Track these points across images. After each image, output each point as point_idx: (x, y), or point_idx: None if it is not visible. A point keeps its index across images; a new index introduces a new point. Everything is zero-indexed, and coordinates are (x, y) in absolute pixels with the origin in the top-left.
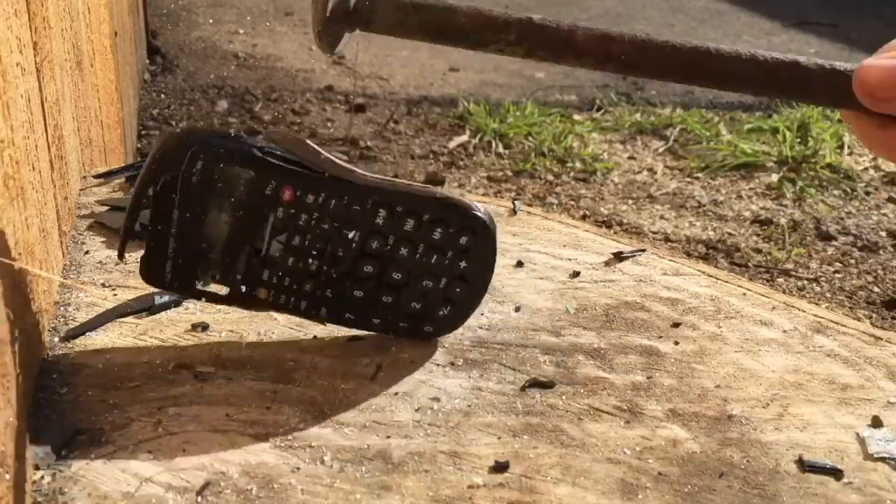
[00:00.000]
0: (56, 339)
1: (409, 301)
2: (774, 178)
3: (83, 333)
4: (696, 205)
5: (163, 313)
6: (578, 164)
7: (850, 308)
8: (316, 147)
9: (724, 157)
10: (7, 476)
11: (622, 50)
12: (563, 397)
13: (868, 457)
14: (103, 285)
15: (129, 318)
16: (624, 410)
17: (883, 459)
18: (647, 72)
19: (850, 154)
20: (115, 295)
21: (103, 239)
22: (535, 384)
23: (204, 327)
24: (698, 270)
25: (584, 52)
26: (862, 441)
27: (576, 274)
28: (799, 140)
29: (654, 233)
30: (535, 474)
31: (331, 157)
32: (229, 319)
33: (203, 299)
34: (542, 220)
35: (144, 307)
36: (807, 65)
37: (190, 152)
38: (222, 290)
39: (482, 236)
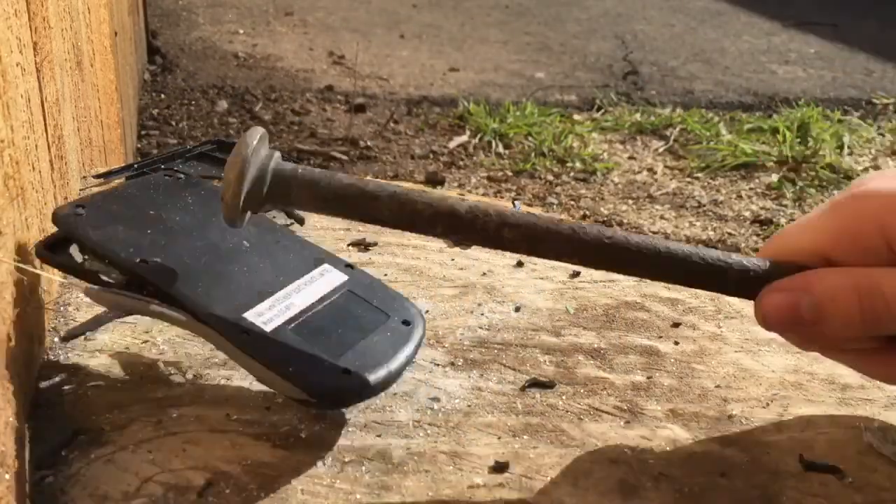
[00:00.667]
0: (56, 339)
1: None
2: (774, 178)
3: (83, 333)
4: (696, 205)
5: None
6: (578, 164)
7: None
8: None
9: (724, 157)
10: (7, 476)
11: (550, 248)
12: (563, 397)
13: (877, 449)
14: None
15: (130, 318)
16: (624, 410)
17: (880, 455)
18: (574, 263)
19: (850, 154)
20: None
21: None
22: (535, 384)
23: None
24: None
25: (511, 248)
26: (864, 433)
27: (576, 274)
28: (799, 140)
29: (654, 233)
30: (535, 474)
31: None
32: None
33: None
34: None
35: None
36: (722, 266)
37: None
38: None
39: None
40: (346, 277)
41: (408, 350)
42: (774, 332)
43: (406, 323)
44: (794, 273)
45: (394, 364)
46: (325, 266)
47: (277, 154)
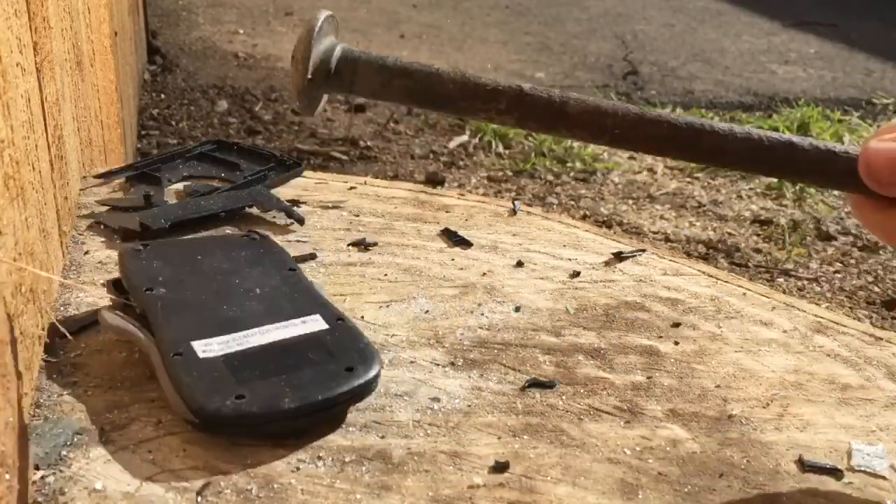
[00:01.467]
0: (56, 339)
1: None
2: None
3: (84, 330)
4: (696, 205)
5: None
6: (578, 164)
7: (850, 308)
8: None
9: None
10: (7, 476)
11: (615, 124)
12: (563, 397)
13: (849, 468)
14: (103, 285)
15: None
16: (624, 410)
17: (863, 472)
18: (641, 146)
19: None
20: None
21: (103, 239)
22: (535, 384)
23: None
24: (698, 270)
25: (576, 125)
26: (849, 453)
27: (576, 274)
28: None
29: (654, 233)
30: (535, 474)
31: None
32: None
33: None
34: (542, 220)
35: None
36: (802, 145)
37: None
38: None
39: None
40: (325, 327)
41: (328, 393)
42: (877, 185)
43: (349, 369)
44: None
45: (297, 401)
46: (314, 316)
47: (342, 43)
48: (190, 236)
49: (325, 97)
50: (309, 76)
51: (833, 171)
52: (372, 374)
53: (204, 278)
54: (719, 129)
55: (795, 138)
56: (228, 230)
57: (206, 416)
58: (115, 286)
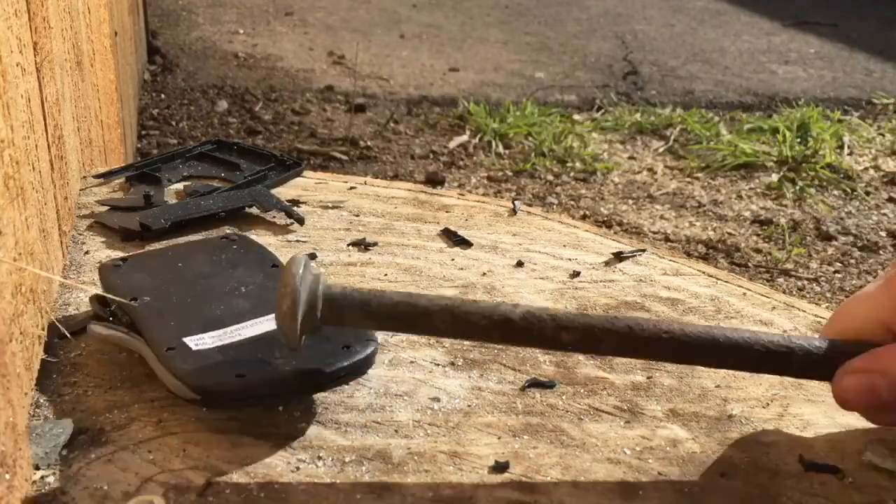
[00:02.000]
0: (56, 339)
1: None
2: (774, 178)
3: (84, 331)
4: (696, 205)
5: None
6: (578, 164)
7: None
8: None
9: (724, 157)
10: (7, 476)
11: (608, 349)
12: (563, 397)
13: (862, 462)
14: (89, 300)
15: None
16: (624, 410)
17: (876, 468)
18: (632, 357)
19: (850, 154)
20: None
21: (103, 239)
22: (535, 384)
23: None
24: (698, 270)
25: (571, 350)
26: (865, 448)
27: (576, 274)
28: (799, 140)
29: (654, 233)
30: (535, 474)
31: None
32: None
33: None
34: (542, 220)
35: None
36: (784, 352)
37: None
38: None
39: None
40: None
41: (327, 366)
42: (855, 412)
43: (345, 347)
44: (858, 351)
45: (297, 373)
46: None
47: (323, 277)
48: (167, 244)
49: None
50: (298, 333)
51: (813, 371)
52: (369, 350)
53: (187, 283)
54: (706, 340)
55: (782, 344)
56: (228, 230)
57: (207, 392)
58: (99, 301)
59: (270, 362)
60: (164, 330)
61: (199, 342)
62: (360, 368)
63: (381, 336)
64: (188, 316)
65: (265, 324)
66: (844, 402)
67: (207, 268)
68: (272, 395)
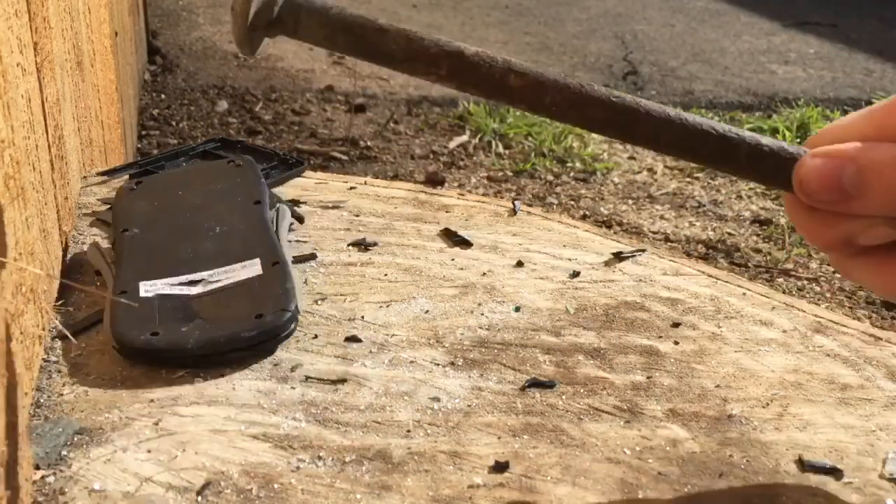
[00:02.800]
0: (56, 339)
1: None
2: None
3: (87, 329)
4: (696, 205)
5: None
6: (578, 164)
7: (850, 308)
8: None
9: None
10: (7, 476)
11: (553, 102)
12: (563, 397)
13: (882, 475)
14: (103, 285)
15: None
16: (624, 410)
17: (893, 480)
18: (579, 124)
19: None
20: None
21: (104, 239)
22: (535, 384)
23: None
24: (698, 270)
25: (515, 98)
26: (885, 461)
27: (576, 274)
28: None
29: (654, 233)
30: (535, 474)
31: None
32: None
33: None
34: (542, 220)
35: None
36: (736, 141)
37: None
38: None
39: None
40: (258, 273)
41: (233, 336)
42: (808, 200)
43: (258, 316)
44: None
45: (200, 342)
46: (254, 260)
47: None
48: (181, 168)
49: (267, 40)
50: (248, 23)
51: (764, 169)
52: (283, 319)
53: (174, 217)
54: (656, 115)
55: (732, 132)
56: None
57: (122, 345)
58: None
59: (187, 325)
60: (131, 270)
61: (150, 289)
62: (272, 337)
63: (379, 334)
64: (158, 256)
65: (214, 278)
66: (801, 184)
67: (200, 199)
68: (176, 358)
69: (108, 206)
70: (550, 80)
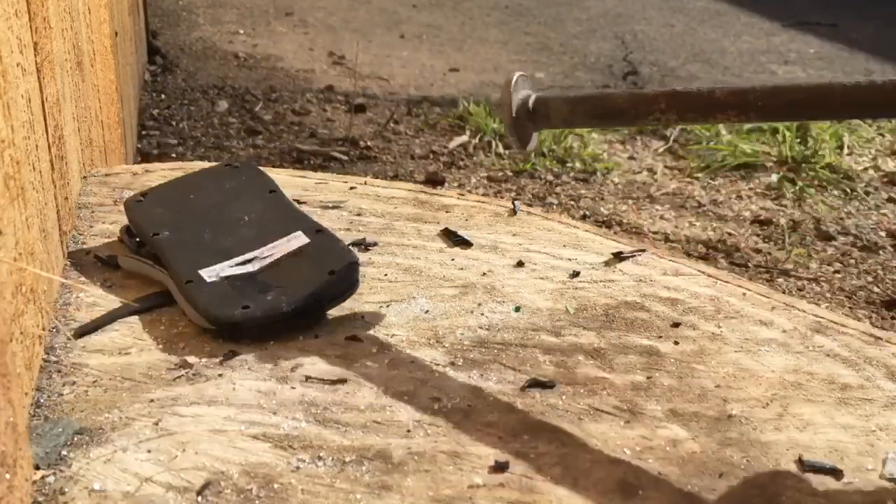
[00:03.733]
0: (56, 339)
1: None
2: (774, 178)
3: (95, 329)
4: (696, 205)
5: (163, 309)
6: (578, 164)
7: (850, 308)
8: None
9: (724, 157)
10: (7, 476)
11: (757, 97)
12: (563, 397)
13: (882, 475)
14: (103, 285)
15: (130, 318)
16: (624, 410)
17: (893, 481)
18: (784, 114)
19: (850, 154)
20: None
21: (104, 238)
22: (535, 384)
23: (204, 327)
24: (698, 270)
25: (727, 107)
26: (885, 461)
27: (576, 274)
28: (799, 140)
29: (654, 233)
30: (535, 474)
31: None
32: None
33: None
34: (542, 220)
35: (154, 305)
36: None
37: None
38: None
39: None
40: (306, 241)
41: (317, 294)
42: None
43: (331, 273)
44: None
45: (292, 304)
46: (297, 233)
47: (534, 91)
48: (179, 176)
49: (535, 136)
50: (514, 115)
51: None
52: (353, 272)
53: (199, 216)
54: (846, 84)
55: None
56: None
57: (220, 323)
58: (127, 232)
59: (269, 294)
60: (183, 263)
61: (212, 274)
62: (351, 287)
63: (379, 334)
64: (202, 248)
65: (267, 252)
66: None
67: (216, 198)
68: (273, 325)
69: (92, 251)
70: (745, 86)
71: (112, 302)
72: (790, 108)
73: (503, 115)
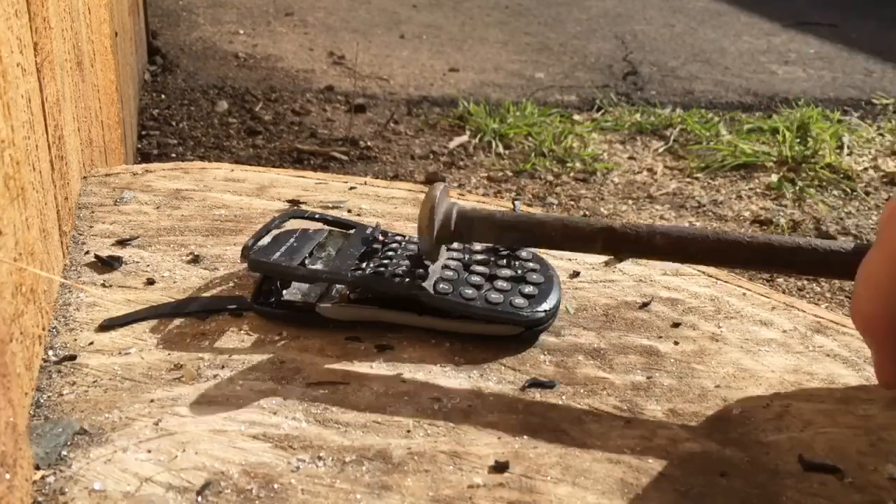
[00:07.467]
0: (56, 340)
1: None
2: (774, 178)
3: (126, 324)
4: (696, 205)
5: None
6: (578, 164)
7: None
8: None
9: (724, 158)
10: (7, 476)
11: (697, 250)
12: (563, 397)
13: (882, 475)
14: (103, 285)
15: None
16: (624, 410)
17: (894, 480)
18: (722, 265)
19: (850, 154)
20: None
21: (104, 239)
22: (535, 384)
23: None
24: (698, 270)
25: (664, 253)
26: (886, 461)
27: (576, 274)
28: (799, 140)
29: None
30: (535, 474)
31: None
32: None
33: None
34: None
35: (190, 311)
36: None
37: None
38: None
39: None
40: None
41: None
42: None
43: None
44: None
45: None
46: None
47: (457, 202)
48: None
49: (444, 247)
50: (434, 239)
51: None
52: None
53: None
54: (788, 245)
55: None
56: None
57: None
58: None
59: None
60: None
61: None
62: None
63: (380, 336)
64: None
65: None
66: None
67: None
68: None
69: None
70: (689, 234)
71: (112, 302)
72: (729, 263)
73: (421, 227)
